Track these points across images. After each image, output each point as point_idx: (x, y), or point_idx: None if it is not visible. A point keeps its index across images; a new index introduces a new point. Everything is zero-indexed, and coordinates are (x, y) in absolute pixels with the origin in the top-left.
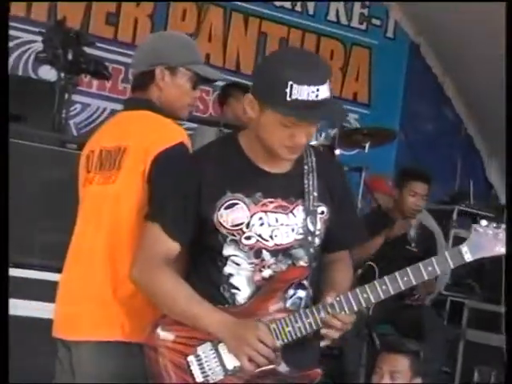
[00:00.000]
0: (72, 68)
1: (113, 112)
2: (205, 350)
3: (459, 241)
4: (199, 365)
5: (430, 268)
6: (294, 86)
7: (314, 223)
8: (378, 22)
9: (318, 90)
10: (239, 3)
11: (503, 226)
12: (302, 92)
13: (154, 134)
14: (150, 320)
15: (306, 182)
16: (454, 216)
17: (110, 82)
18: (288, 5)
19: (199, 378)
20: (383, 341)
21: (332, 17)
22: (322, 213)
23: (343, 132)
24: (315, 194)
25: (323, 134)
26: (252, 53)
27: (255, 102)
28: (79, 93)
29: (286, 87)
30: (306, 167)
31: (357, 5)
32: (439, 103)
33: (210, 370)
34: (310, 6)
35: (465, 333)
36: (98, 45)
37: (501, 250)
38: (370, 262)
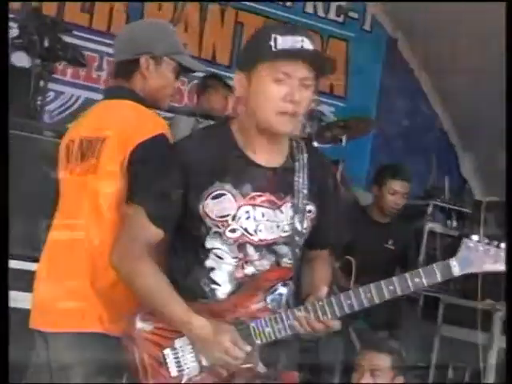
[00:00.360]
0: (48, 55)
1: (87, 100)
2: (182, 343)
3: (434, 236)
4: (175, 358)
5: (416, 279)
6: (278, 37)
7: (302, 222)
8: (355, 15)
9: (302, 41)
10: None
11: (495, 242)
12: (287, 42)
13: (135, 125)
14: (128, 312)
15: (296, 178)
16: (429, 211)
17: (85, 70)
18: None
19: (174, 371)
20: (364, 338)
21: (309, 9)
22: (310, 211)
23: (320, 126)
24: (305, 191)
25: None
26: (228, 43)
27: (243, 77)
28: (53, 80)
29: (270, 40)
30: (297, 164)
31: None
32: (415, 98)
33: (185, 364)
34: None
35: (440, 328)
36: (73, 32)
37: (490, 267)
38: (348, 256)
